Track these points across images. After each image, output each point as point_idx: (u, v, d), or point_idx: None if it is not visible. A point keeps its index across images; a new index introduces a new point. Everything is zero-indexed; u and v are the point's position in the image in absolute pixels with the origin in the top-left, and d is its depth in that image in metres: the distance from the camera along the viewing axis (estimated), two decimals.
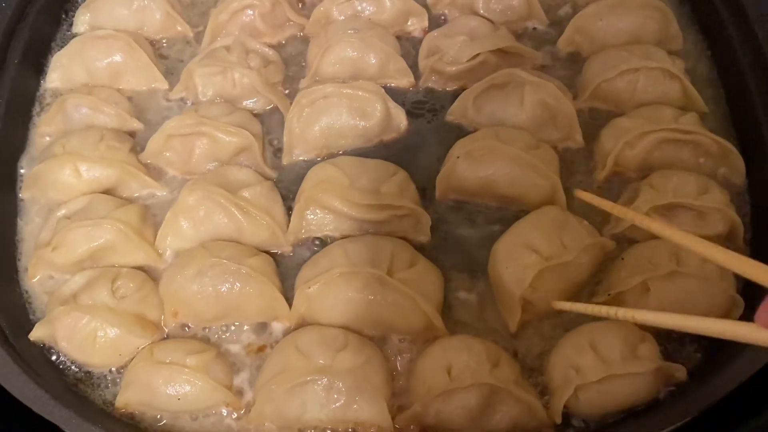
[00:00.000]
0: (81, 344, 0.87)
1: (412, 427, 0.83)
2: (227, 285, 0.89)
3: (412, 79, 1.11)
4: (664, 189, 0.93)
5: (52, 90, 1.13)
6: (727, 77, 1.08)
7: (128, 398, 0.85)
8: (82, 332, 0.87)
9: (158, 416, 0.85)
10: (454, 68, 1.08)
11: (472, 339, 0.85)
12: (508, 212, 0.98)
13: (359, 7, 1.16)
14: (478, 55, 1.07)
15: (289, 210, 0.99)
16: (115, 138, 1.03)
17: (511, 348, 0.88)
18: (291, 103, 1.06)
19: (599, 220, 0.97)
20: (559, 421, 0.81)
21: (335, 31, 1.11)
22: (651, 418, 0.79)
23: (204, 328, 0.91)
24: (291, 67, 1.15)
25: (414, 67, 1.12)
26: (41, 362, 0.88)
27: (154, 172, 1.04)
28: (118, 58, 1.11)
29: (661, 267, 0.86)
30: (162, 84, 1.12)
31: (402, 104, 1.08)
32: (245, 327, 0.91)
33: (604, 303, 0.89)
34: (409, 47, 1.16)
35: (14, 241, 0.99)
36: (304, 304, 0.89)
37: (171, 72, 1.14)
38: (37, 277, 0.95)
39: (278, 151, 1.06)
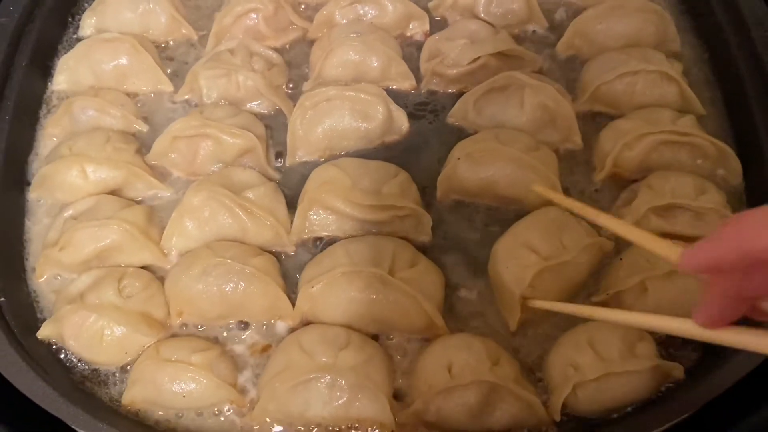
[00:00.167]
0: (88, 342, 0.88)
1: (413, 424, 0.84)
2: (231, 284, 0.90)
3: (413, 82, 1.12)
4: (662, 190, 0.94)
5: (59, 92, 1.14)
6: (724, 80, 1.10)
7: (134, 395, 0.86)
8: (89, 331, 0.88)
9: (163, 413, 0.86)
10: (455, 71, 1.09)
11: (472, 337, 0.86)
12: (508, 213, 0.99)
13: (361, 11, 1.18)
14: (478, 58, 1.08)
15: (292, 210, 1.00)
16: (121, 140, 1.04)
17: (511, 346, 0.89)
18: (294, 106, 1.07)
19: (599, 226, 0.99)
20: (557, 418, 0.82)
21: (338, 35, 1.13)
22: (649, 415, 0.80)
23: (208, 327, 0.93)
24: (294, 70, 1.16)
25: (415, 70, 1.13)
26: (49, 360, 0.89)
27: (159, 173, 1.05)
28: (123, 60, 1.12)
29: (659, 267, 0.87)
30: (167, 86, 1.13)
31: (404, 106, 1.09)
32: (249, 326, 0.92)
33: (602, 302, 0.90)
34: (410, 50, 1.17)
35: (22, 242, 1.00)
36: (307, 303, 0.90)
37: (176, 74, 1.16)
38: (44, 276, 0.97)
39: (282, 153, 1.07)
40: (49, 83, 1.15)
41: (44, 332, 0.90)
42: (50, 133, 1.09)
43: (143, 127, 1.10)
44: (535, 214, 0.95)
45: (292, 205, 1.00)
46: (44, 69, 1.15)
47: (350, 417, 0.83)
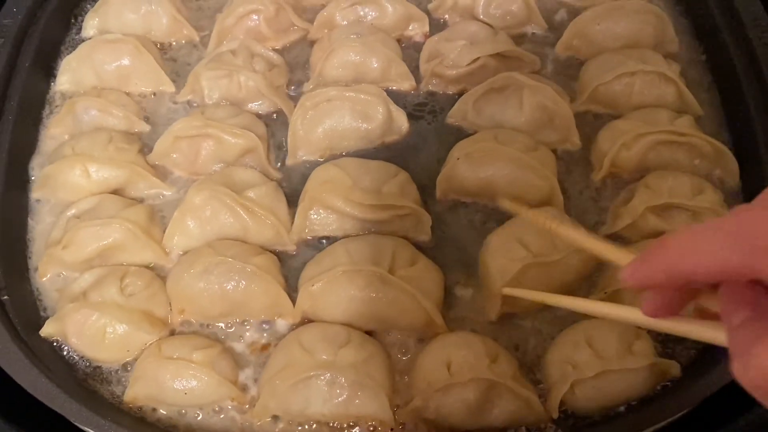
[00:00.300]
0: (90, 340, 0.89)
1: (412, 421, 0.84)
2: (233, 283, 0.91)
3: (413, 83, 1.13)
4: (659, 190, 0.95)
5: (62, 92, 1.15)
6: (721, 81, 1.10)
7: (136, 392, 0.87)
8: (91, 328, 0.88)
9: (165, 410, 0.87)
10: (454, 72, 1.10)
11: (471, 335, 0.87)
12: (507, 212, 0.99)
13: (362, 12, 1.18)
14: (477, 59, 1.09)
15: (292, 210, 1.01)
16: (123, 139, 1.05)
17: (510, 344, 0.90)
18: (295, 106, 1.08)
19: (596, 221, 1.00)
20: (555, 415, 0.83)
21: (338, 36, 1.14)
22: (646, 413, 0.81)
23: (210, 325, 0.93)
24: (295, 70, 1.17)
25: (415, 70, 1.14)
26: (52, 357, 0.89)
27: (161, 172, 1.06)
28: (126, 61, 1.13)
29: None
30: (169, 87, 1.14)
31: (403, 107, 1.10)
32: (250, 324, 0.93)
33: (600, 301, 0.91)
34: (410, 51, 1.18)
35: (25, 241, 1.01)
36: (308, 302, 0.91)
37: (178, 75, 1.17)
38: (47, 275, 0.97)
39: (282, 153, 1.08)
40: (52, 84, 1.16)
41: (47, 330, 0.91)
42: (53, 133, 1.10)
43: (145, 128, 1.10)
44: (533, 212, 0.95)
45: (292, 204, 1.01)
46: (47, 70, 1.16)
47: (350, 414, 0.84)
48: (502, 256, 0.90)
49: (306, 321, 0.93)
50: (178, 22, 1.19)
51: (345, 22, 1.18)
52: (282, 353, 0.88)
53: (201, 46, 1.20)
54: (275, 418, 0.85)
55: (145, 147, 1.08)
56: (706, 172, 1.01)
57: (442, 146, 1.06)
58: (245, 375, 0.90)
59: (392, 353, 0.90)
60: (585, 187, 1.03)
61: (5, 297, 0.91)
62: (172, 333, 0.93)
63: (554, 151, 1.04)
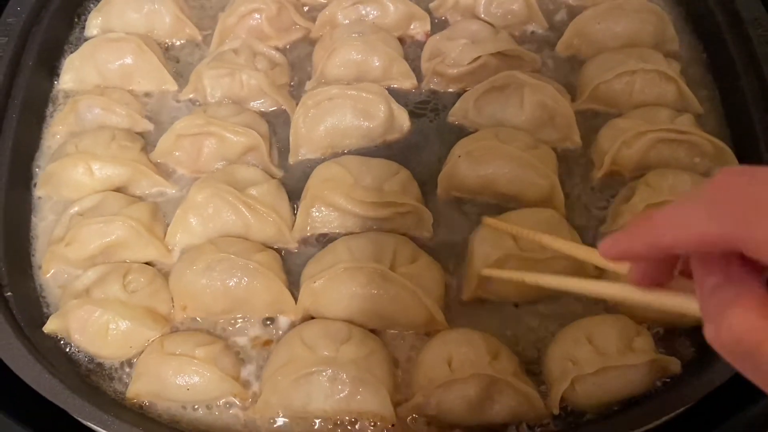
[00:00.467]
0: (93, 336, 0.90)
1: (413, 417, 0.85)
2: (235, 279, 0.91)
3: (414, 81, 1.14)
4: (659, 187, 0.95)
5: (65, 91, 1.16)
6: (721, 79, 1.11)
7: (139, 389, 0.87)
8: (94, 325, 0.89)
9: (168, 406, 0.88)
10: (455, 70, 1.11)
11: (472, 332, 0.87)
12: (508, 210, 1.00)
13: (363, 11, 1.19)
14: (479, 57, 1.09)
15: (294, 207, 1.01)
16: (126, 138, 1.06)
17: (511, 341, 0.90)
18: (297, 104, 1.08)
19: (596, 219, 1.00)
20: (556, 411, 0.83)
21: (340, 35, 1.14)
22: (646, 409, 0.81)
23: (212, 322, 0.94)
24: (297, 69, 1.18)
25: (417, 69, 1.15)
26: (55, 354, 0.90)
27: (163, 170, 1.07)
28: (129, 60, 1.13)
29: None
30: (172, 85, 1.15)
31: (405, 105, 1.10)
32: (252, 321, 0.94)
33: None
34: (411, 50, 1.18)
35: (29, 238, 1.02)
36: (310, 299, 0.92)
37: (180, 74, 1.17)
38: (50, 272, 0.98)
39: (284, 151, 1.08)
40: (55, 82, 1.16)
41: (50, 326, 0.91)
42: (56, 131, 1.10)
43: (148, 126, 1.11)
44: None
45: (294, 202, 1.02)
46: (51, 68, 1.17)
47: (351, 410, 0.84)
48: (489, 244, 0.91)
49: (308, 318, 0.93)
50: (181, 21, 1.20)
51: (347, 21, 1.19)
52: (284, 349, 0.88)
53: (203, 45, 1.21)
54: (277, 413, 0.86)
55: (147, 145, 1.08)
56: (707, 170, 1.01)
57: (443, 144, 1.06)
58: (247, 371, 0.90)
59: (393, 350, 0.90)
60: (585, 185, 1.03)
61: (9, 294, 0.92)
62: (175, 329, 0.93)
63: (555, 150, 1.04)
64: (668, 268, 0.51)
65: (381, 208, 0.96)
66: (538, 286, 0.89)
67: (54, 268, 0.98)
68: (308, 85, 1.14)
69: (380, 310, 0.90)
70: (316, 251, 0.97)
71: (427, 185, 1.02)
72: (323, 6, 1.21)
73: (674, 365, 0.85)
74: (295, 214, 1.00)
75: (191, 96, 1.14)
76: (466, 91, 1.10)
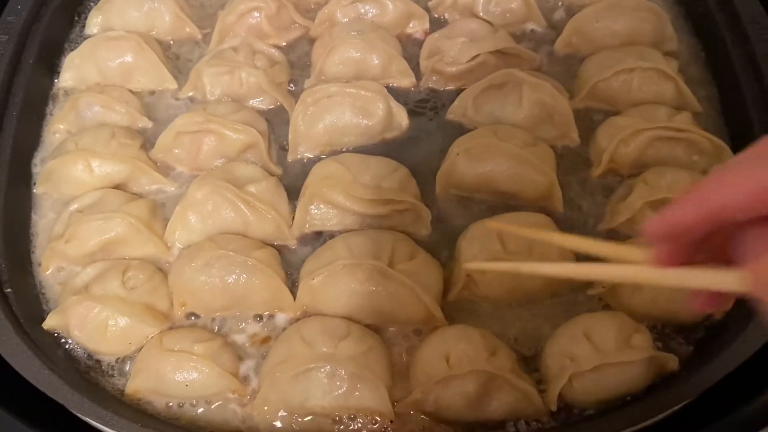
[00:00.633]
0: (92, 333, 0.90)
1: (411, 413, 0.85)
2: (234, 276, 0.91)
3: (413, 79, 1.14)
4: (657, 185, 0.95)
5: (66, 89, 1.16)
6: (720, 77, 1.11)
7: (138, 385, 0.88)
8: (93, 321, 0.89)
9: (167, 402, 0.88)
10: (454, 69, 1.11)
11: (470, 329, 0.88)
12: (506, 207, 1.00)
13: (362, 10, 1.19)
14: (477, 56, 1.10)
15: (293, 205, 1.01)
16: (126, 135, 1.06)
17: (509, 337, 0.90)
18: (296, 102, 1.09)
19: (594, 216, 1.00)
20: (554, 408, 0.83)
21: (339, 33, 1.14)
22: (644, 405, 0.81)
23: (211, 318, 0.94)
24: (296, 67, 1.18)
25: (415, 67, 1.15)
26: (55, 350, 0.90)
27: (163, 168, 1.07)
28: (129, 58, 1.14)
29: None
30: (171, 83, 1.15)
31: (404, 103, 1.11)
32: (251, 317, 0.94)
33: (599, 296, 0.92)
34: (410, 48, 1.19)
35: (29, 235, 1.02)
36: (308, 295, 0.92)
37: (180, 72, 1.18)
38: (50, 268, 0.98)
39: (283, 148, 1.09)
40: (55, 80, 1.17)
41: (50, 323, 0.92)
42: (56, 129, 1.11)
43: (148, 124, 1.11)
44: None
45: (293, 199, 1.02)
46: (51, 66, 1.17)
47: (350, 406, 0.85)
48: (478, 245, 0.91)
49: (306, 314, 0.93)
50: (181, 19, 1.20)
51: (346, 20, 1.19)
52: (283, 346, 0.89)
53: (203, 43, 1.21)
54: (276, 410, 0.86)
55: (147, 143, 1.09)
56: (705, 168, 1.01)
57: (442, 142, 1.06)
58: (246, 367, 0.90)
59: (392, 346, 0.91)
60: (584, 183, 1.03)
61: (9, 290, 0.92)
62: (174, 326, 0.94)
63: (553, 147, 1.04)
64: (695, 246, 0.50)
65: (379, 206, 0.96)
66: (524, 290, 0.90)
67: (54, 264, 0.98)
68: (307, 83, 1.15)
69: (379, 307, 0.90)
70: (315, 248, 0.97)
71: (425, 183, 1.03)
72: (322, 4, 1.22)
73: (672, 362, 0.85)
74: (293, 212, 1.00)
75: (191, 94, 1.14)
76: (464, 89, 1.11)
